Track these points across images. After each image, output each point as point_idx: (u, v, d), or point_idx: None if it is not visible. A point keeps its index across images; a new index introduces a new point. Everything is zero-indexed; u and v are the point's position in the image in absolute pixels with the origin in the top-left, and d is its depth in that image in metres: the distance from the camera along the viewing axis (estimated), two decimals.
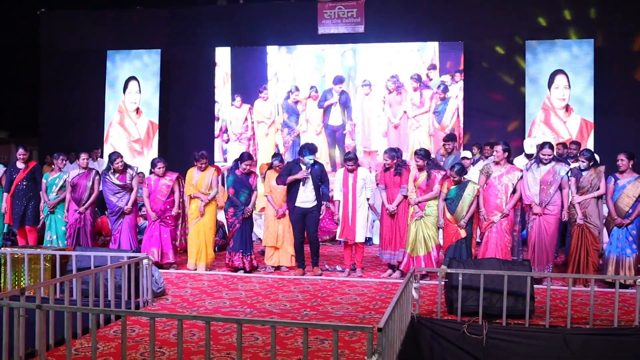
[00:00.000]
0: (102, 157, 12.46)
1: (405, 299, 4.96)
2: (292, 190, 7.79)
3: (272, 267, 8.11)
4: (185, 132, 13.36)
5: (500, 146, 7.32)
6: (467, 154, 9.33)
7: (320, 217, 8.02)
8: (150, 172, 8.27)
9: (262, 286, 7.19)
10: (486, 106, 11.97)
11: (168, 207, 8.11)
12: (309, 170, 7.70)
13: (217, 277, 7.69)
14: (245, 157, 8.04)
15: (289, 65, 12.61)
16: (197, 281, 7.44)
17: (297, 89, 12.52)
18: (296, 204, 7.76)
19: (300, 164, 7.74)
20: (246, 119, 12.79)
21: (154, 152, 12.76)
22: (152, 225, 8.09)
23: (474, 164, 9.40)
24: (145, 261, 6.02)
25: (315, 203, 7.76)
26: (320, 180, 7.79)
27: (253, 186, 8.02)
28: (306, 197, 7.74)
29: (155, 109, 12.95)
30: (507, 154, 7.33)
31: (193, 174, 8.17)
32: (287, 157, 11.97)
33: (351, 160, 7.73)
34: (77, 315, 4.96)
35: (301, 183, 7.69)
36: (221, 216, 9.34)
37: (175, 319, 3.74)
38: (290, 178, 7.70)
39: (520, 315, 5.53)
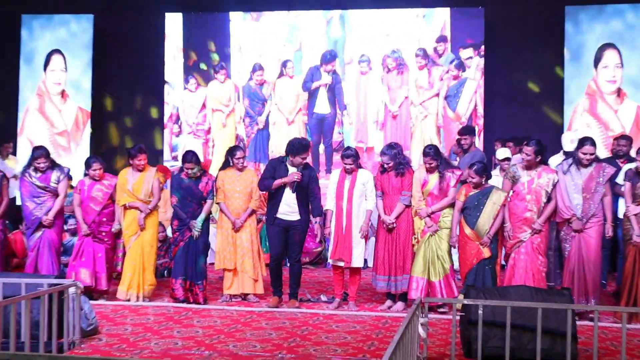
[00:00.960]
0: (14, 154, 12.31)
1: (410, 338, 4.94)
2: (274, 197, 7.77)
3: (232, 296, 8.10)
4: (126, 122, 13.25)
5: (531, 147, 7.25)
6: (505, 152, 9.20)
7: (315, 230, 8.06)
8: (85, 175, 8.19)
9: (224, 321, 7.13)
10: (512, 90, 12.00)
11: (104, 219, 8.07)
12: (300, 170, 7.67)
13: (165, 309, 7.64)
14: (188, 157, 7.97)
15: (254, 36, 12.56)
16: (139, 315, 7.38)
17: (260, 67, 12.47)
18: (277, 215, 7.74)
19: (287, 164, 7.71)
20: (204, 106, 12.75)
21: (84, 148, 12.66)
22: (83, 241, 8.02)
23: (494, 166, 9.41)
24: (71, 290, 5.95)
25: (299, 217, 7.73)
26: (308, 187, 7.74)
27: (205, 193, 7.95)
28: (289, 207, 7.71)
29: (86, 92, 12.85)
30: (539, 156, 7.28)
31: (127, 176, 8.10)
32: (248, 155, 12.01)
33: (349, 158, 7.68)
34: None
35: (287, 188, 7.68)
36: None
37: None
38: (278, 182, 7.66)
39: None
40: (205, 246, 8.08)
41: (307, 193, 7.76)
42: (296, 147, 7.65)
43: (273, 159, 8.14)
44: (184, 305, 7.81)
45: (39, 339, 5.60)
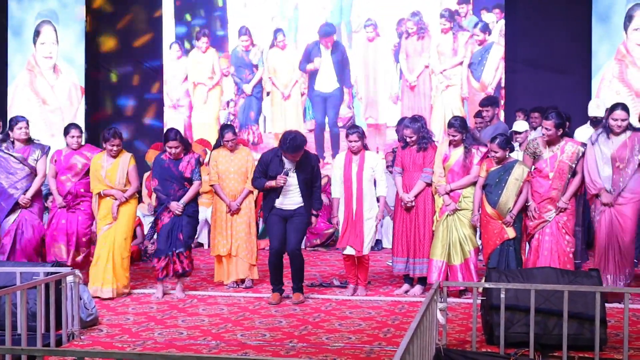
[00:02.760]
0: (3, 132, 12.36)
1: (428, 325, 4.97)
2: (271, 189, 7.50)
3: (235, 283, 8.11)
4: (124, 98, 13.26)
5: (551, 121, 7.10)
6: (522, 125, 9.16)
7: (312, 226, 7.93)
8: (66, 145, 8.14)
9: (232, 309, 7.19)
10: (535, 56, 11.93)
11: (82, 190, 7.98)
12: (287, 173, 7.35)
13: (169, 297, 7.70)
14: (171, 135, 7.75)
15: (244, 5, 12.53)
16: (141, 304, 7.45)
17: (246, 32, 12.45)
18: (275, 205, 7.48)
19: (283, 157, 7.38)
20: (187, 78, 12.77)
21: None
22: (55, 213, 7.98)
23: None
24: (69, 278, 6.00)
25: (301, 204, 7.48)
26: (311, 180, 7.49)
27: (186, 174, 7.74)
28: (289, 200, 7.46)
29: (79, 66, 12.86)
30: (561, 129, 7.17)
31: (101, 162, 7.91)
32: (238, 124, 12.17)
33: (354, 134, 7.57)
34: None
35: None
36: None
37: (112, 358, 3.74)
38: (268, 185, 7.39)
39: (587, 346, 5.55)
40: (191, 215, 7.79)
41: (310, 186, 7.52)
42: (286, 145, 7.27)
43: (266, 153, 7.68)
44: (191, 292, 7.87)
45: (36, 330, 5.64)
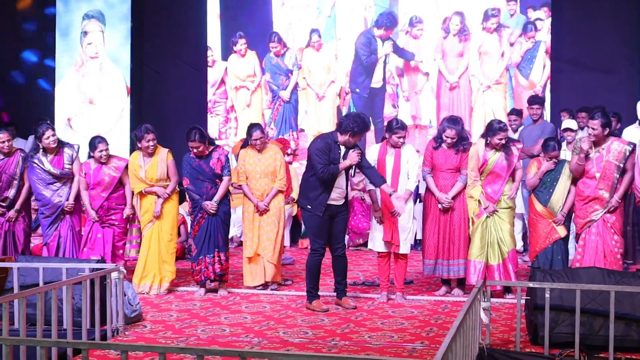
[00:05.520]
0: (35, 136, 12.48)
1: (471, 325, 4.94)
2: (325, 183, 7.08)
3: (261, 286, 7.99)
4: (169, 98, 13.35)
5: (597, 120, 6.98)
6: (572, 124, 9.08)
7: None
8: (89, 157, 8.11)
9: (275, 307, 7.22)
10: (582, 54, 11.79)
11: (113, 204, 8.01)
12: (358, 150, 7.11)
13: (212, 295, 7.75)
14: (192, 136, 7.64)
15: (282, 4, 12.53)
16: (185, 301, 7.51)
17: (276, 38, 12.44)
18: (329, 202, 7.11)
19: (338, 143, 7.07)
20: (222, 82, 12.79)
21: (124, 125, 12.81)
22: (92, 227, 8.01)
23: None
24: (114, 274, 6.07)
25: (345, 199, 7.28)
26: (361, 165, 7.17)
27: (217, 170, 7.77)
28: (341, 192, 7.20)
29: (125, 66, 12.97)
30: (607, 129, 7.06)
31: (138, 162, 7.93)
32: (273, 134, 12.17)
33: (404, 130, 7.36)
34: (19, 350, 5.00)
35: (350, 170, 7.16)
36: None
37: (156, 352, 3.76)
38: (344, 165, 7.03)
39: (634, 348, 5.49)
40: (223, 219, 7.81)
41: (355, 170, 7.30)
42: (362, 126, 7.01)
43: (321, 141, 7.16)
44: (233, 290, 7.90)
45: (82, 325, 5.71)
